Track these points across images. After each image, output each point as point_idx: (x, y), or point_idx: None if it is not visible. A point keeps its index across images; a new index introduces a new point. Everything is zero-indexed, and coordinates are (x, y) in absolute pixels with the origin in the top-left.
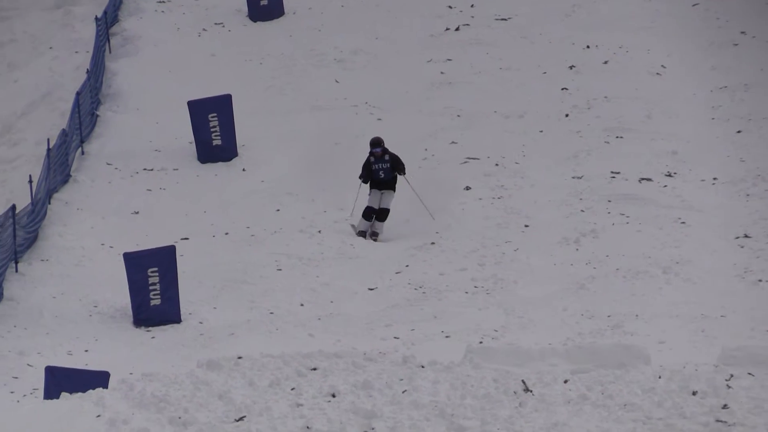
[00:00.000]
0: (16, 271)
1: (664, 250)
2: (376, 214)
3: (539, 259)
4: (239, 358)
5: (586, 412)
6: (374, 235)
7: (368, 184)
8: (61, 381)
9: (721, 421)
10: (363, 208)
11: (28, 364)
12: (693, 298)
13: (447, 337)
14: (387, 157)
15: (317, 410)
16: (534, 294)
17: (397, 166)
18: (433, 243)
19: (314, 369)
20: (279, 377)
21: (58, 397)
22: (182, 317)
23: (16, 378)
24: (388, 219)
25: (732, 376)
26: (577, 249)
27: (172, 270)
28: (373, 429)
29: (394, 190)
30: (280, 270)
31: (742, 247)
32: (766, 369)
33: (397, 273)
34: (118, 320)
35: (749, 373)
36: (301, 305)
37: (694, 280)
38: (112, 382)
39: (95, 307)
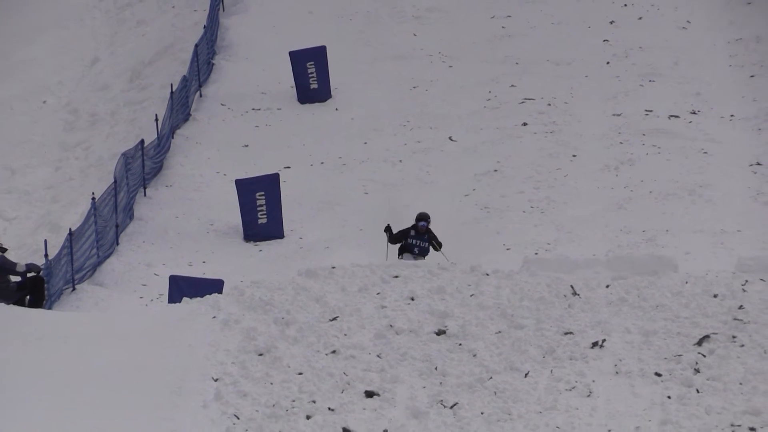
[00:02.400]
0: (145, 195)
1: (689, 175)
2: None
3: (585, 184)
4: (333, 267)
5: (624, 312)
6: None
7: (397, 248)
8: (183, 288)
9: (737, 319)
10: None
11: (154, 274)
12: (714, 216)
13: (507, 249)
14: (426, 236)
15: (399, 311)
16: (580, 213)
17: (433, 243)
18: (495, 170)
19: (396, 276)
20: (366, 284)
21: (180, 302)
22: (285, 233)
23: (145, 285)
24: None
25: (747, 281)
26: (616, 175)
27: (276, 194)
28: (445, 327)
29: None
30: (366, 194)
31: (755, 173)
32: None
33: (465, 195)
34: (230, 236)
35: (761, 279)
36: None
37: (715, 201)
38: (226, 288)
39: (211, 225)
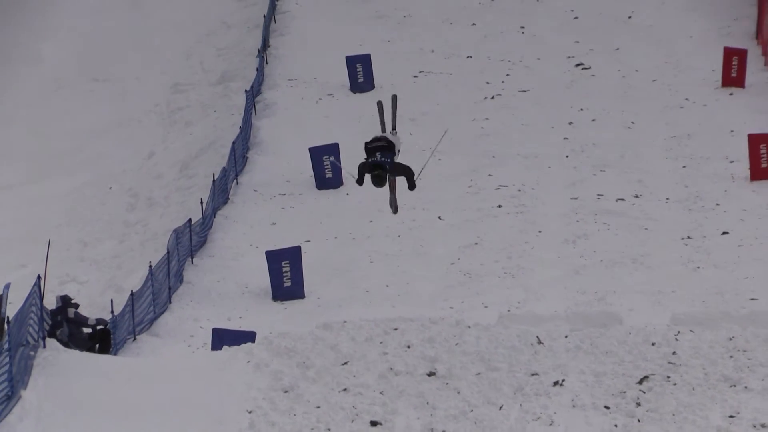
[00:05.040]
0: (192, 263)
1: (633, 247)
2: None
3: (548, 254)
4: (344, 322)
5: (580, 357)
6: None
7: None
8: (223, 338)
9: (671, 363)
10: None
11: (200, 327)
12: (652, 280)
13: (485, 307)
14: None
15: (397, 357)
16: (545, 277)
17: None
18: (476, 243)
19: (395, 329)
20: (371, 335)
21: (220, 349)
22: (305, 294)
23: (192, 336)
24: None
25: (679, 332)
26: (574, 247)
27: (298, 262)
28: (435, 369)
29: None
30: (372, 262)
31: (686, 245)
32: (702, 327)
33: (451, 264)
34: (261, 297)
35: (691, 330)
36: (387, 286)
37: (653, 268)
38: (258, 338)
39: (246, 287)
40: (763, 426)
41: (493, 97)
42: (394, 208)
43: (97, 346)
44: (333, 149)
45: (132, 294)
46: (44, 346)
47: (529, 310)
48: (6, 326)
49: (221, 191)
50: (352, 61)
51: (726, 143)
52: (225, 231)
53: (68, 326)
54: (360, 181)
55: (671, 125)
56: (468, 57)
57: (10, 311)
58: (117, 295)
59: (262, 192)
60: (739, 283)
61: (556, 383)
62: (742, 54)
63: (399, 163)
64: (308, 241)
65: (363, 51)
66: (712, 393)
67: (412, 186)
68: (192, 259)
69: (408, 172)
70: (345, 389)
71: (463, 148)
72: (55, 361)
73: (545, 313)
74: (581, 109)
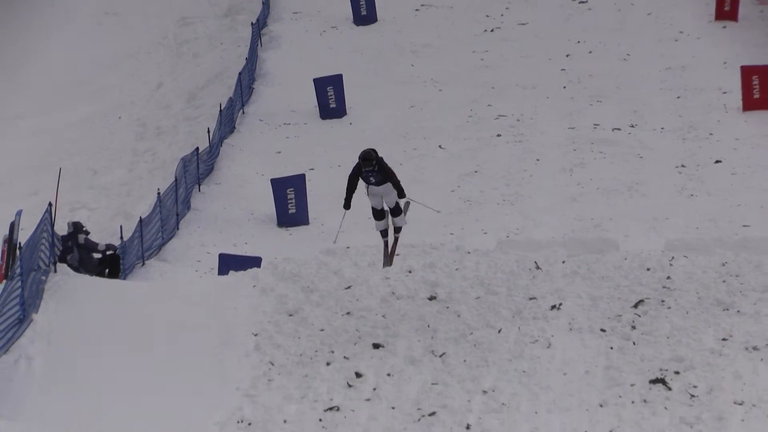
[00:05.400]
0: (199, 190)
1: (628, 175)
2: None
3: (546, 182)
4: (347, 247)
5: (576, 282)
6: (397, 231)
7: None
8: (229, 263)
9: (665, 287)
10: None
11: (207, 252)
12: (647, 207)
13: (485, 233)
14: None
15: (399, 281)
16: (542, 205)
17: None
18: (476, 171)
19: (397, 254)
20: (374, 260)
21: (227, 274)
22: (309, 221)
23: (199, 261)
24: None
25: (673, 257)
26: (571, 175)
27: (302, 190)
28: (436, 293)
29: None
30: None
31: (680, 173)
32: (696, 253)
33: (452, 191)
34: (267, 223)
35: (684, 256)
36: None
37: (648, 195)
38: (263, 263)
39: (252, 214)
40: (755, 348)
41: (492, 30)
42: (385, 264)
43: (107, 270)
44: (336, 80)
45: (141, 220)
46: (55, 271)
47: (528, 236)
48: (18, 252)
49: (228, 121)
50: None
51: (719, 75)
52: (231, 159)
53: (79, 252)
54: (347, 204)
55: (666, 57)
56: None
57: (22, 237)
58: (126, 221)
59: (267, 122)
60: (732, 211)
61: (553, 307)
62: None
63: (387, 165)
64: (312, 169)
65: None
66: (706, 317)
67: (401, 194)
68: (199, 186)
69: (393, 177)
70: (348, 313)
71: (464, 79)
72: (66, 285)
73: (543, 239)
74: (578, 42)
